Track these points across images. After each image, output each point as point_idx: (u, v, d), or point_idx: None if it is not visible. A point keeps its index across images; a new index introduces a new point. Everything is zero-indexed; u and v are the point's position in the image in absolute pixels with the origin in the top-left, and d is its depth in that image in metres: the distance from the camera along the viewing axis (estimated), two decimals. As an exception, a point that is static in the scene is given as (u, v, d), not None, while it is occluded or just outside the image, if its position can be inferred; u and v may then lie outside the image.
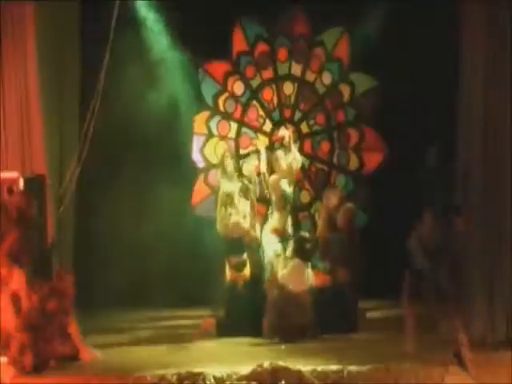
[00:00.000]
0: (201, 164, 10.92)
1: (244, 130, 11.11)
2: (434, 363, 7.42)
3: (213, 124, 10.98)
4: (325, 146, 11.41)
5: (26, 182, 8.08)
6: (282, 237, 9.57)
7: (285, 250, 9.45)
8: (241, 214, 9.55)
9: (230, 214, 9.51)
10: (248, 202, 9.61)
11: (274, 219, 9.64)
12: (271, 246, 9.48)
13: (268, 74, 11.27)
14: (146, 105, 10.65)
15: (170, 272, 10.72)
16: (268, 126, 11.20)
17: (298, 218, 10.52)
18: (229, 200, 9.56)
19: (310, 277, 9.09)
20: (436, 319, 8.04)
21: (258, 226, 9.75)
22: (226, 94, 11.07)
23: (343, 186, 11.12)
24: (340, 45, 11.36)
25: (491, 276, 8.29)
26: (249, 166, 10.24)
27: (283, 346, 8.51)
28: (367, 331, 9.15)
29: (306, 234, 9.47)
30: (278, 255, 9.24)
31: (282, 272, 9.05)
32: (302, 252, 9.12)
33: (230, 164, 9.77)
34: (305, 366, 7.35)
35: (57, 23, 9.29)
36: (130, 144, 10.75)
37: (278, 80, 11.31)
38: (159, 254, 10.70)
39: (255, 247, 9.63)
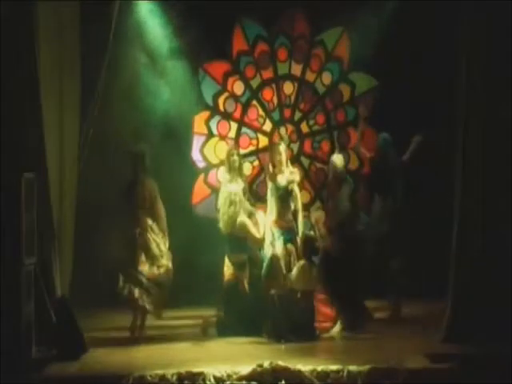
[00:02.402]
0: (201, 164, 10.92)
1: (244, 130, 11.10)
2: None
3: (213, 124, 10.97)
4: (325, 146, 11.40)
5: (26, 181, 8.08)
6: (285, 229, 9.54)
7: (286, 245, 9.43)
8: (246, 213, 9.58)
9: (238, 212, 9.55)
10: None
11: (273, 212, 9.62)
12: (272, 242, 9.47)
13: (268, 73, 11.25)
14: (145, 104, 10.65)
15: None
16: (268, 126, 11.19)
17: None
18: (237, 198, 9.60)
19: (316, 277, 9.12)
20: None
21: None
22: (226, 94, 11.05)
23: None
24: (340, 45, 11.34)
25: None
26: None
27: (283, 346, 8.52)
28: (367, 331, 9.15)
29: (312, 233, 9.47)
30: (276, 257, 9.22)
31: (289, 274, 9.06)
32: (311, 252, 9.13)
33: (236, 161, 9.80)
34: (305, 366, 7.35)
35: (57, 23, 9.29)
36: (130, 143, 10.73)
37: (278, 80, 11.30)
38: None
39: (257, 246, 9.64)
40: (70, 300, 8.59)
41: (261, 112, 11.18)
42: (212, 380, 7.25)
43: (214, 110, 10.99)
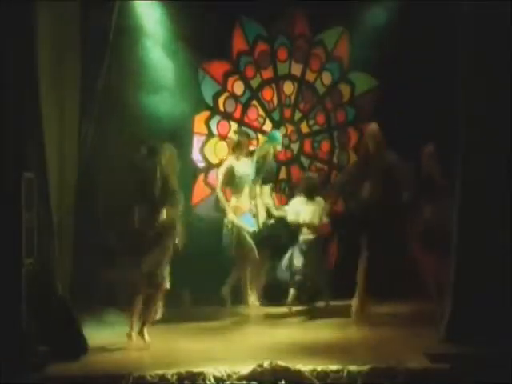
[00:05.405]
0: (201, 164, 10.93)
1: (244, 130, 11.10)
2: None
3: (213, 124, 10.98)
4: (325, 146, 11.42)
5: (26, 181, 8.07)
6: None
7: None
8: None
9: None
10: None
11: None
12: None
13: (268, 73, 11.27)
14: (145, 104, 10.64)
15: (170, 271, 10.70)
16: (268, 126, 11.20)
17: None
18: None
19: None
20: None
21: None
22: (226, 94, 11.07)
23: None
24: (340, 45, 11.37)
25: None
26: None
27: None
28: (368, 330, 9.17)
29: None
30: None
31: None
32: None
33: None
34: (305, 366, 7.34)
35: (58, 23, 9.29)
36: (130, 144, 10.73)
37: (277, 80, 11.32)
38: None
39: None
40: (69, 300, 8.59)
41: (261, 112, 11.20)
42: (212, 380, 7.24)
43: (214, 110, 11.01)
